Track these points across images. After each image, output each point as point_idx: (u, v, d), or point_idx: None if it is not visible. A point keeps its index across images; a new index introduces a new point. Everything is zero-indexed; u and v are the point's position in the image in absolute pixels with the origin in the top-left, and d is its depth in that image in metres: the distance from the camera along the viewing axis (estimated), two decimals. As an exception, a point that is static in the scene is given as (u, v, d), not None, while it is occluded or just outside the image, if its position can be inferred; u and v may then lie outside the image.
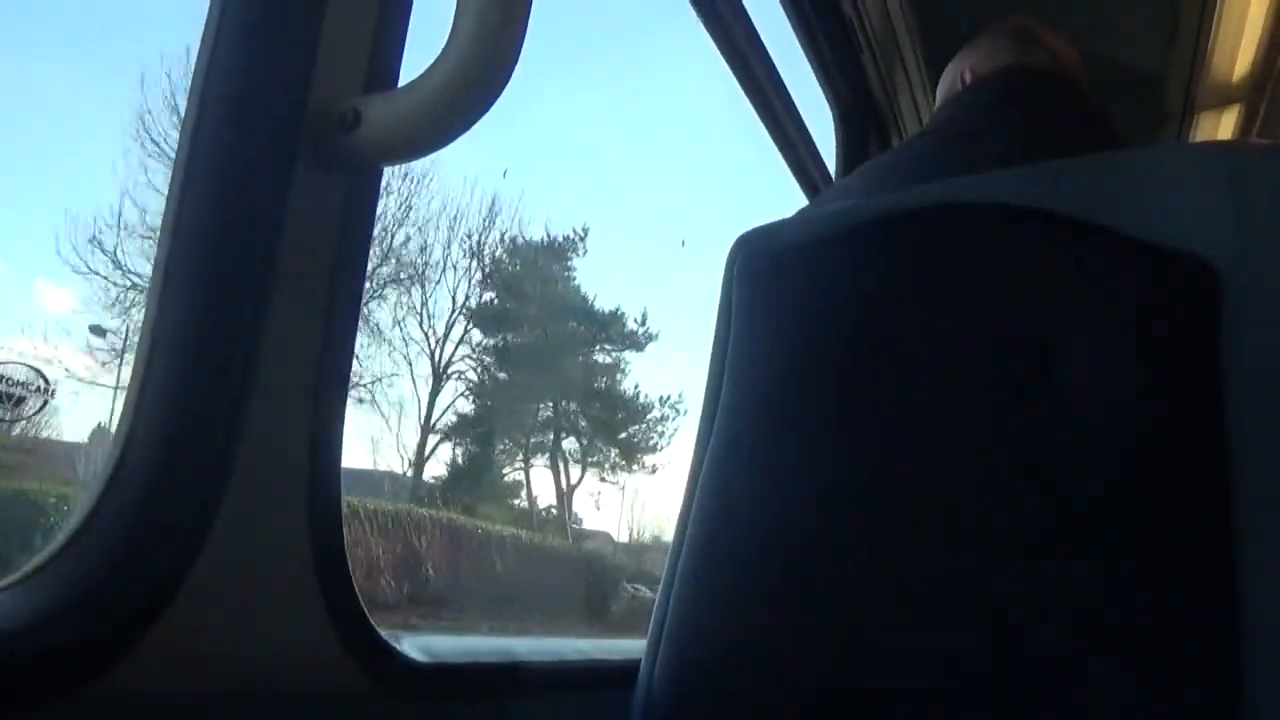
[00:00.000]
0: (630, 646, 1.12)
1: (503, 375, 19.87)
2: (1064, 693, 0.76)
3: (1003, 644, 0.78)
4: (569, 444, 20.86)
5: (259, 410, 0.65)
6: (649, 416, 21.01)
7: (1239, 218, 0.81)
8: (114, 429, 0.65)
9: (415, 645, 0.80)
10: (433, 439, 18.48)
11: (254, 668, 0.66)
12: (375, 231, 0.76)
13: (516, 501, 19.96)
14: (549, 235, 20.25)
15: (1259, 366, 0.77)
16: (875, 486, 0.88)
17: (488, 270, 19.35)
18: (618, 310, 20.77)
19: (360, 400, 16.60)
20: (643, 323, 20.85)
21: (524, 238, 19.79)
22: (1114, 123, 1.10)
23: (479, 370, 19.59)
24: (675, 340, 23.39)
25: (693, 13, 1.57)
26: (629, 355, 20.94)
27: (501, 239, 19.45)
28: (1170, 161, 0.88)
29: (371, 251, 0.76)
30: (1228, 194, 0.82)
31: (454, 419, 19.07)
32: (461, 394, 19.27)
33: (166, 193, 0.67)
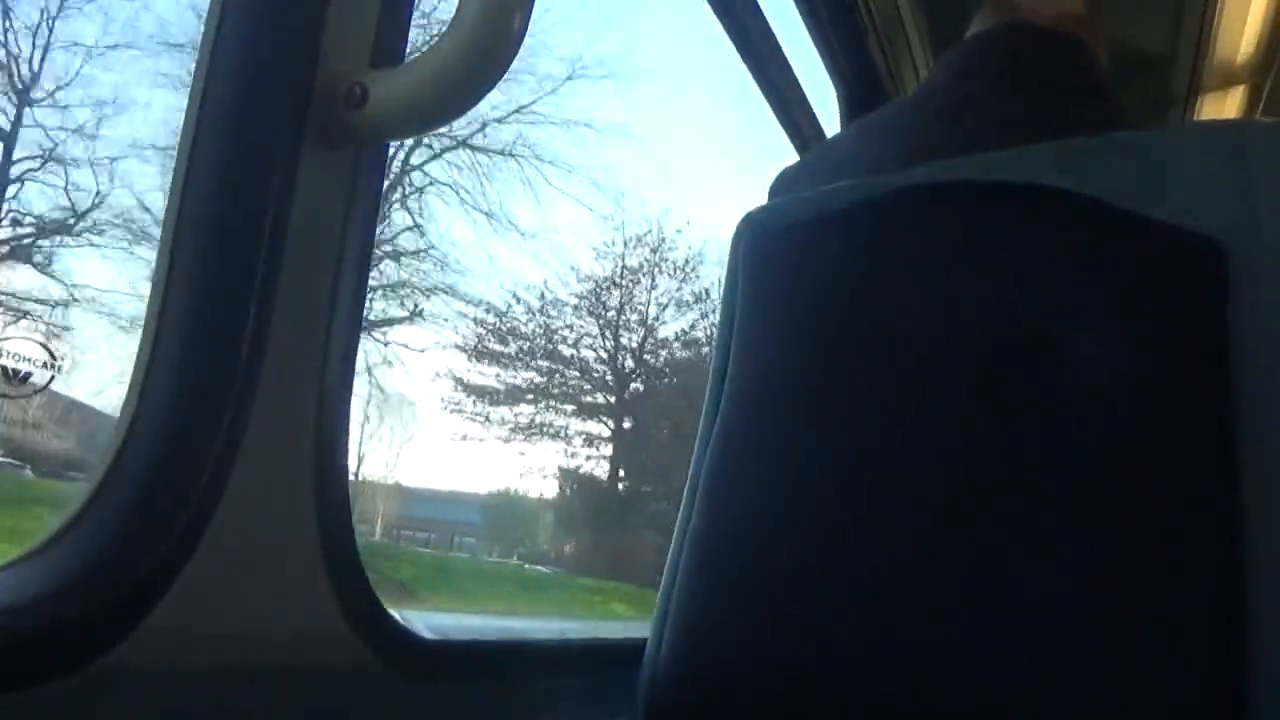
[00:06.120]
0: (635, 627, 1.13)
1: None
2: (1071, 679, 0.76)
3: (1006, 631, 0.78)
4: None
5: (265, 387, 0.65)
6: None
7: (1245, 196, 0.81)
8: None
9: (422, 623, 0.81)
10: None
11: (260, 645, 0.66)
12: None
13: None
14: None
15: (1267, 345, 0.77)
16: (878, 470, 0.88)
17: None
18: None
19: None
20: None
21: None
22: (1111, 86, 1.06)
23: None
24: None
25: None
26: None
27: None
28: (1176, 141, 0.88)
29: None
30: (1234, 172, 0.82)
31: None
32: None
33: (172, 170, 0.66)
